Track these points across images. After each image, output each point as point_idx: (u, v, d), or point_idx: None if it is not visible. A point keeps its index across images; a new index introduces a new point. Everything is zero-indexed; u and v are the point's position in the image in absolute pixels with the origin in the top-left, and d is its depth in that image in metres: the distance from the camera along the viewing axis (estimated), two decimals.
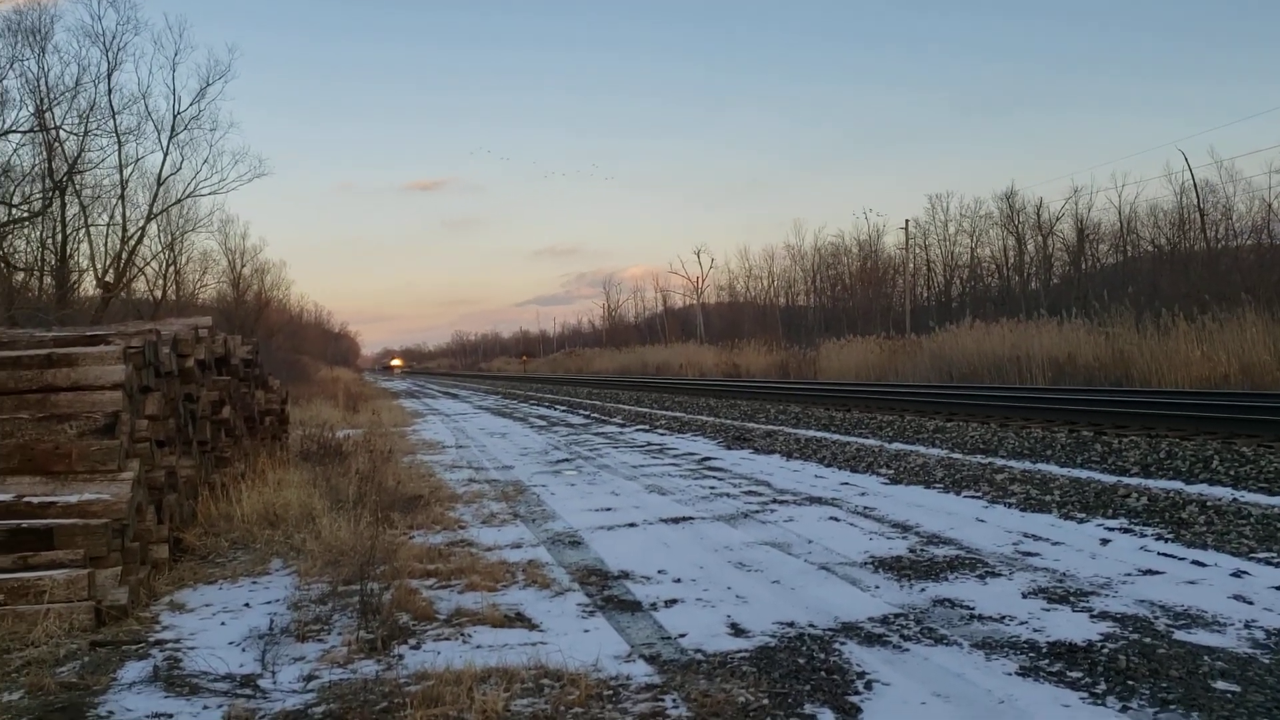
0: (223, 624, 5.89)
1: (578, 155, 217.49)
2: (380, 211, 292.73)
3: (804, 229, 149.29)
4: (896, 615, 5.56)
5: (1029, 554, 6.98)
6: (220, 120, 59.20)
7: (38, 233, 26.03)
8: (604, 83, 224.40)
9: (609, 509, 9.65)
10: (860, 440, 14.75)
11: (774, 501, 9.71)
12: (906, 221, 63.03)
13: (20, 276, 25.01)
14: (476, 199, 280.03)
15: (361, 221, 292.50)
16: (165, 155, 30.40)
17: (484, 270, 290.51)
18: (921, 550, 7.21)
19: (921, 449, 13.32)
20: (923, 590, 6.09)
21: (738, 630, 5.41)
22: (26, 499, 6.19)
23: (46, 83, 25.64)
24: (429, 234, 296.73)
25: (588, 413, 25.75)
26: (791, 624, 5.48)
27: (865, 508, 9.16)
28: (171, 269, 36.52)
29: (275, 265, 63.33)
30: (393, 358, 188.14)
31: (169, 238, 34.94)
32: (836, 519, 8.64)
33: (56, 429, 6.55)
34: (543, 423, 22.76)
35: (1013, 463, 11.52)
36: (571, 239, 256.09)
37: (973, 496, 9.52)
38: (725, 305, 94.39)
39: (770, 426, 18.00)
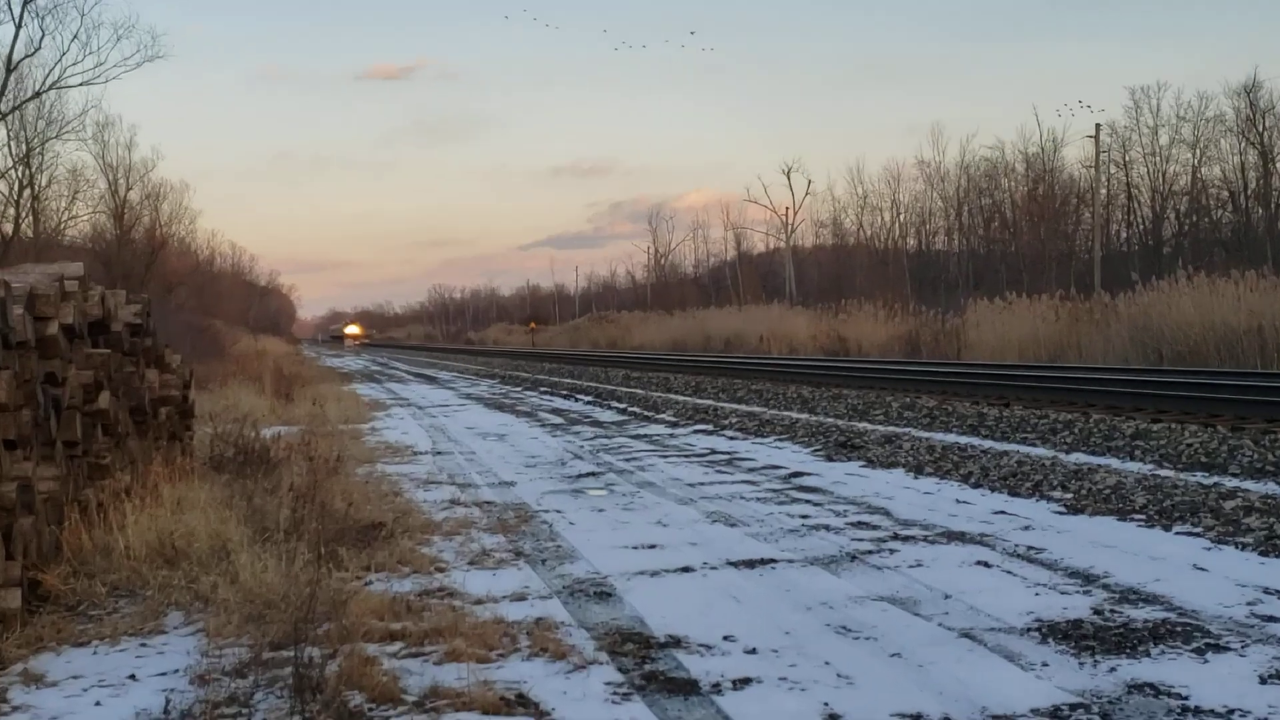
0: (98, 704, 5.96)
1: (610, 35, 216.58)
2: (324, 111, 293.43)
3: (944, 138, 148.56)
4: (1073, 706, 5.53)
5: (1272, 619, 6.91)
6: None
7: None
8: None
9: (653, 546, 9.68)
10: (1024, 449, 14.70)
11: (895, 538, 9.69)
12: (1098, 127, 62.31)
13: None
14: (461, 93, 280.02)
15: (297, 127, 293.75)
16: (18, 28, 30.79)
17: (475, 198, 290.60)
18: (1111, 612, 7.16)
19: (1114, 462, 13.23)
20: (1112, 670, 6.05)
21: None
22: None
23: None
24: (395, 144, 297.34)
25: (624, 405, 25.88)
26: (918, 717, 5.46)
27: (1029, 548, 9.11)
28: (27, 192, 36.96)
29: (174, 189, 63.44)
30: (348, 323, 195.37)
31: (22, 147, 35.33)
32: (987, 564, 8.61)
33: None
34: (558, 419, 22.85)
35: (1249, 484, 11.39)
36: (603, 153, 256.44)
37: (1189, 534, 9.43)
38: (827, 250, 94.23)
39: (891, 428, 17.97)
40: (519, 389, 34.86)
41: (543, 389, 34.07)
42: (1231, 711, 5.42)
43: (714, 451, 16.46)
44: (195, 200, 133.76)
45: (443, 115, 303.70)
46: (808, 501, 11.73)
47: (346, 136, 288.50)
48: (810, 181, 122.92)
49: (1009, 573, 8.32)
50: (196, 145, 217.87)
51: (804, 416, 20.71)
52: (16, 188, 35.95)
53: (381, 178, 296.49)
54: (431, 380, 43.05)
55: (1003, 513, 10.72)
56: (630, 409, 24.90)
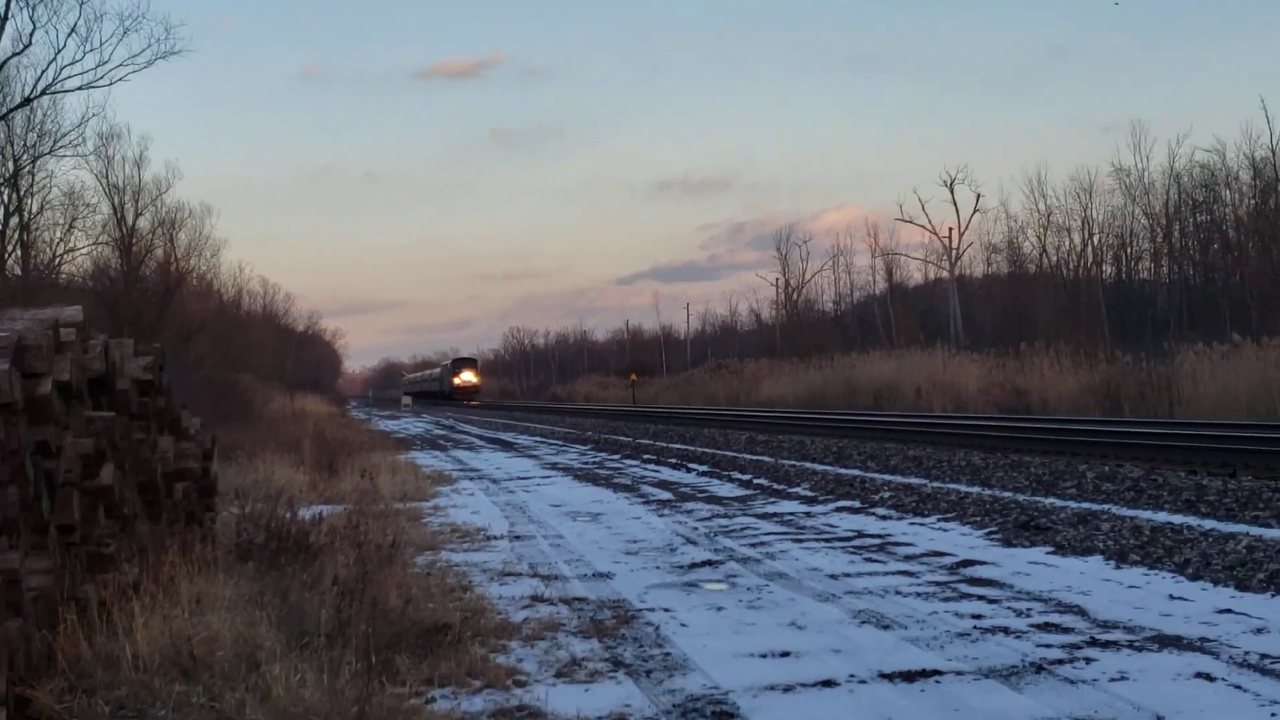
0: None
1: (730, 23, 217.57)
2: (378, 118, 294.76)
3: (1148, 139, 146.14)
4: None
5: None
6: None
7: None
8: None
9: (786, 654, 9.69)
10: (1257, 530, 14.38)
11: (1091, 643, 9.61)
12: None
13: None
14: (547, 94, 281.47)
15: (346, 137, 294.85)
16: (3, 20, 31.29)
17: (561, 221, 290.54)
18: None
19: None
20: None
21: None
22: None
23: None
24: (465, 156, 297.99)
25: (748, 477, 25.83)
26: None
27: (1264, 657, 8.97)
28: (14, 220, 37.45)
29: (194, 214, 64.03)
30: (463, 368, 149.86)
31: (9, 165, 35.78)
32: (1210, 676, 8.48)
33: None
34: (666, 495, 22.89)
35: None
36: (719, 165, 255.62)
37: None
38: (1001, 280, 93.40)
39: (1085, 504, 17.73)
40: (617, 457, 34.93)
41: (646, 456, 34.08)
42: None
43: (861, 534, 16.48)
44: (219, 228, 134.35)
45: (522, 121, 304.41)
46: (981, 598, 11.70)
47: (404, 149, 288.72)
48: (979, 196, 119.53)
49: (1238, 687, 8.20)
50: (222, 161, 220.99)
51: (975, 490, 20.45)
52: (2, 214, 36.41)
53: (445, 198, 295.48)
54: (508, 446, 43.12)
55: (1229, 611, 10.57)
56: (756, 481, 24.84)
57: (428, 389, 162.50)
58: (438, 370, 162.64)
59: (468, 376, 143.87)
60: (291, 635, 9.49)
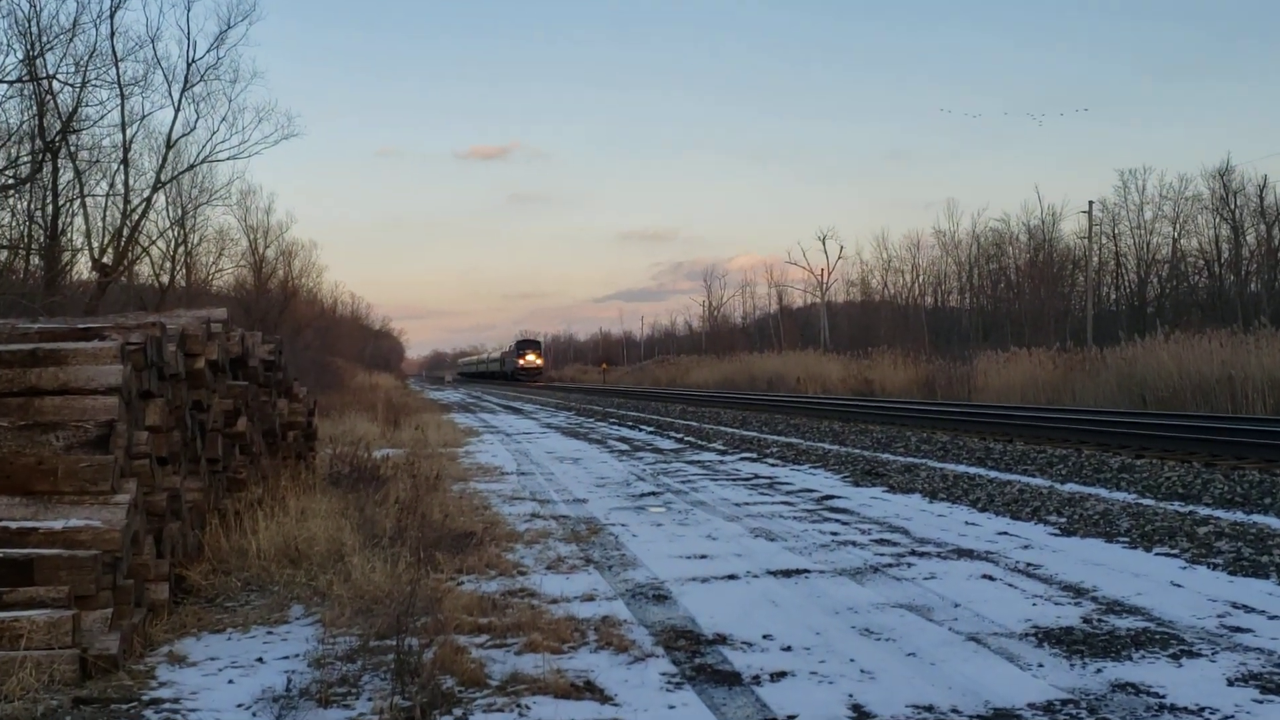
0: (230, 682, 6.04)
1: (674, 123, 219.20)
2: (432, 184, 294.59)
3: (958, 212, 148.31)
4: (1065, 702, 5.49)
5: (1238, 629, 6.82)
6: (242, 70, 59.27)
7: (24, 203, 26.70)
8: (705, 38, 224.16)
9: (704, 556, 9.71)
10: (1024, 479, 14.58)
11: (912, 553, 9.66)
12: (1090, 204, 61.91)
13: (3, 255, 25.79)
14: (549, 170, 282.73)
15: (409, 196, 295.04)
16: (176, 111, 31.07)
17: (557, 257, 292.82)
18: (1099, 620, 7.09)
19: (1103, 492, 13.13)
20: (1099, 671, 5.99)
21: (862, 714, 5.40)
22: (3, 524, 6.40)
23: (39, 23, 26.09)
24: (490, 212, 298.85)
25: (680, 435, 25.84)
26: (930, 708, 5.44)
27: (1028, 565, 9.04)
28: (181, 249, 37.40)
29: (304, 247, 64.22)
30: (528, 350, 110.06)
31: (179, 211, 35.77)
32: (991, 578, 8.55)
33: (40, 440, 6.76)
34: (624, 446, 22.93)
35: (1220, 513, 11.28)
36: (666, 221, 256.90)
37: (1167, 554, 9.33)
38: (856, 305, 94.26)
39: (910, 459, 17.86)
40: (591, 420, 34.81)
41: (612, 420, 34.04)
42: (1203, 709, 5.36)
43: (757, 476, 16.45)
44: (322, 257, 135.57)
45: (531, 188, 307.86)
46: (837, 521, 11.73)
47: (449, 204, 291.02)
48: (842, 247, 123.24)
49: (1010, 585, 8.26)
50: (325, 211, 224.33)
51: (835, 447, 20.66)
52: (173, 245, 36.66)
53: (479, 239, 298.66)
54: (517, 411, 43.12)
55: (1005, 533, 10.65)
56: (686, 438, 24.90)
57: (486, 370, 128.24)
58: (498, 353, 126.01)
59: (532, 358, 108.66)
60: (366, 537, 9.55)
